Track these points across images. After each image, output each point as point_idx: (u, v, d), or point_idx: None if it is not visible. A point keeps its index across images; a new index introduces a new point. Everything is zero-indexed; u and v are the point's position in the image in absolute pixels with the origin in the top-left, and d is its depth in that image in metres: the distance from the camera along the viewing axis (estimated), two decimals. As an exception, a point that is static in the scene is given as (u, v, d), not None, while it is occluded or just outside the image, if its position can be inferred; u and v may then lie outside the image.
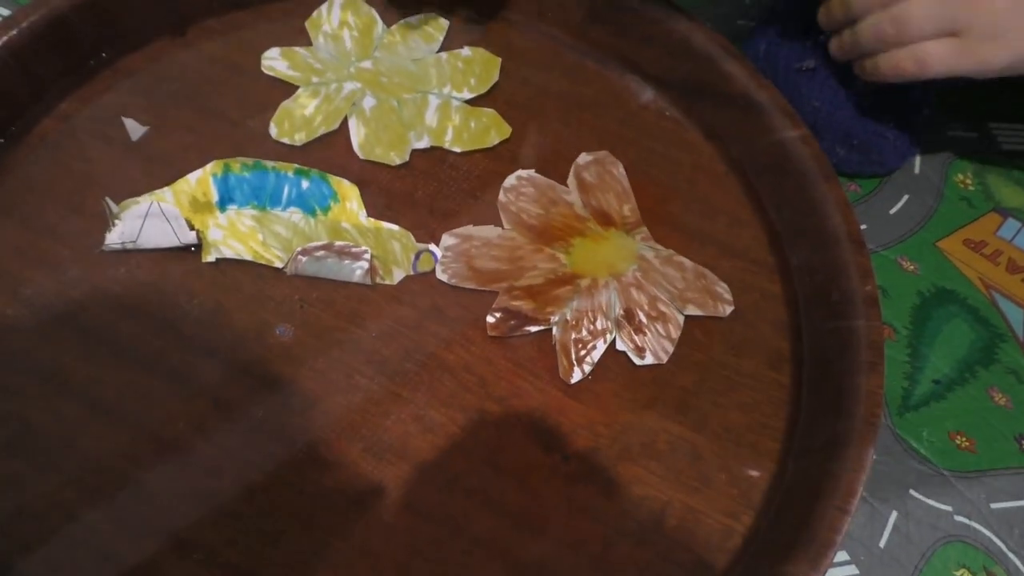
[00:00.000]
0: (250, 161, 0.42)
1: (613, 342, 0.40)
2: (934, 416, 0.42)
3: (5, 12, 0.49)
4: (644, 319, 0.41)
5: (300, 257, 0.40)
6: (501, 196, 0.44)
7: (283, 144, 0.44)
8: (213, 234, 0.40)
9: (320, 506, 0.35)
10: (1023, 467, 0.41)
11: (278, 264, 0.40)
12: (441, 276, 0.41)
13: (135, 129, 0.44)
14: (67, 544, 0.34)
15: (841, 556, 0.38)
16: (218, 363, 0.38)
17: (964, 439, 0.42)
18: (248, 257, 0.40)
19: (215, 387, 0.38)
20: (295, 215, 0.41)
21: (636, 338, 0.41)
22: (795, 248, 0.44)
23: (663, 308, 0.42)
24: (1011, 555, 0.39)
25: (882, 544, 0.39)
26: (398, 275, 0.41)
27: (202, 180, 0.41)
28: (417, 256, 0.41)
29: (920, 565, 0.38)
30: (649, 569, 0.36)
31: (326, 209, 0.41)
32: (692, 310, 0.42)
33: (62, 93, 0.45)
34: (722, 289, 0.43)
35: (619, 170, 0.45)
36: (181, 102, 0.46)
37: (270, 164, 0.42)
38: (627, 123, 0.48)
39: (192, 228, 0.40)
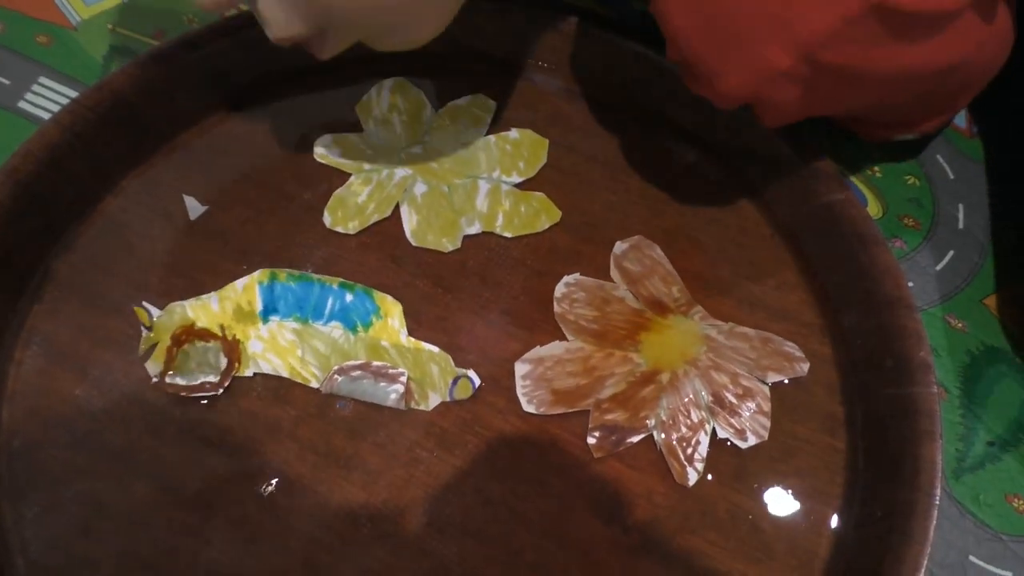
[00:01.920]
0: (296, 272, 0.43)
1: (713, 431, 0.41)
2: (990, 479, 0.42)
3: (68, 92, 0.51)
4: (734, 399, 0.42)
5: (336, 376, 0.40)
6: (556, 308, 0.44)
7: (337, 232, 0.45)
8: (253, 346, 0.41)
9: (387, 583, 0.36)
10: (1082, 530, 0.41)
11: (314, 384, 0.40)
12: (528, 408, 0.41)
13: (195, 208, 0.45)
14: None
15: (904, 625, 0.38)
16: (282, 438, 0.39)
17: (1022, 502, 0.42)
18: (285, 374, 0.40)
19: (280, 464, 0.38)
20: (336, 330, 0.41)
21: (733, 421, 0.41)
22: (845, 311, 0.44)
23: (746, 383, 0.42)
24: (1074, 621, 0.39)
25: (944, 612, 0.39)
26: (434, 400, 0.40)
27: (248, 287, 0.42)
28: (455, 381, 0.41)
29: (983, 633, 0.38)
30: (714, 643, 0.36)
31: (367, 325, 0.41)
32: (773, 376, 0.42)
33: (123, 171, 0.46)
34: (791, 348, 0.43)
35: (657, 252, 0.46)
36: (237, 176, 0.47)
37: (316, 276, 0.42)
38: (672, 187, 0.49)
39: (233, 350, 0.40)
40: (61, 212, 0.44)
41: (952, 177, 0.53)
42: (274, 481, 0.38)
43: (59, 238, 0.44)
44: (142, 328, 0.41)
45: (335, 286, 0.42)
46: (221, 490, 0.38)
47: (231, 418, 0.39)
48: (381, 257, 0.45)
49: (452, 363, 0.41)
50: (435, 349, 0.42)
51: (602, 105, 0.52)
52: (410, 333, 0.42)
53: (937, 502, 0.36)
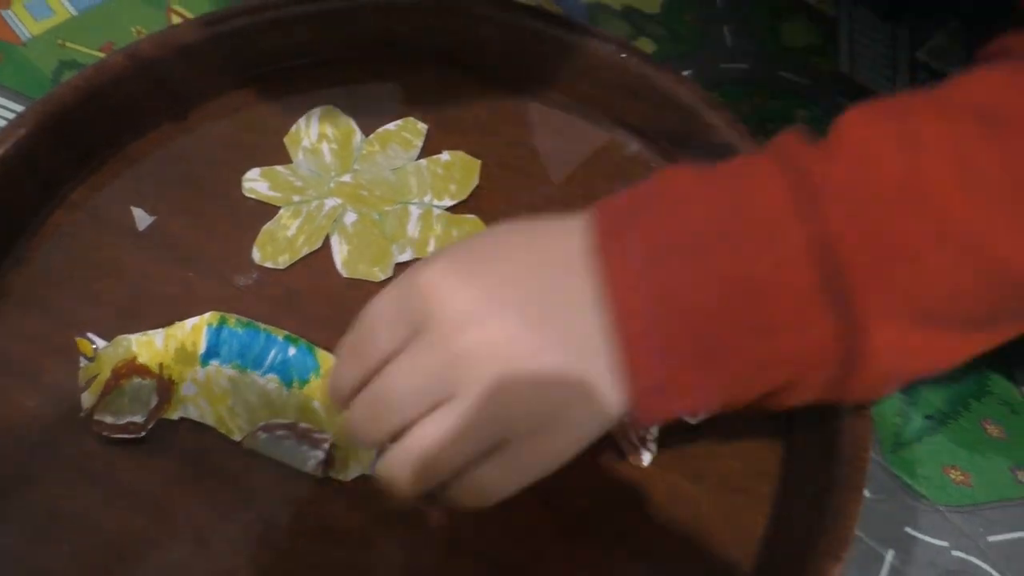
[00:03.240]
0: (245, 320, 0.42)
1: None
2: (928, 451, 0.43)
3: (16, 107, 0.52)
4: None
5: (260, 433, 0.39)
6: None
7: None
8: (187, 389, 0.40)
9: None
10: (1019, 499, 0.42)
11: (237, 436, 0.40)
12: None
13: (143, 219, 0.46)
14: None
15: (840, 598, 0.39)
16: (231, 442, 0.40)
17: (959, 473, 0.43)
18: (211, 422, 0.40)
19: (229, 465, 0.39)
20: (271, 383, 0.40)
21: None
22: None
23: None
24: (1010, 588, 0.40)
25: (880, 583, 0.40)
26: (354, 471, 0.39)
27: (196, 328, 0.41)
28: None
29: (919, 602, 0.39)
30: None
31: (304, 382, 0.41)
32: None
33: (72, 184, 0.47)
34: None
35: None
36: (185, 185, 0.48)
37: (263, 326, 0.42)
38: (615, 177, 0.50)
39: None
40: (12, 227, 0.45)
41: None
42: (221, 482, 0.39)
43: (10, 252, 0.45)
44: (81, 359, 0.41)
45: (281, 338, 0.41)
46: (171, 494, 0.39)
47: (182, 423, 0.40)
48: (316, 290, 0.45)
49: None
50: None
51: (546, 98, 0.52)
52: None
53: (865, 476, 0.37)
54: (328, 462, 0.39)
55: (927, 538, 0.41)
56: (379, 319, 0.31)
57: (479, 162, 0.49)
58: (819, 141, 0.29)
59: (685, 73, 0.57)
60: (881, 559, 0.40)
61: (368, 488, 0.39)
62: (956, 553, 0.41)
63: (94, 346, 0.41)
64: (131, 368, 0.40)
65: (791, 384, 0.30)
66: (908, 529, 0.41)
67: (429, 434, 0.29)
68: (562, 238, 0.31)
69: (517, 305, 0.29)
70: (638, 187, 0.31)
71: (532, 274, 0.30)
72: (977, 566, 0.40)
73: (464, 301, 0.29)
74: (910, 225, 0.27)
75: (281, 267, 0.45)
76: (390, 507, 0.35)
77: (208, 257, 0.45)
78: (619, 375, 0.29)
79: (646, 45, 0.58)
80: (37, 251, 0.45)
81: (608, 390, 0.29)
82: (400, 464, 0.30)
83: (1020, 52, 0.28)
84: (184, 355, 0.41)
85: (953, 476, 0.43)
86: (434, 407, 0.29)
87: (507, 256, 0.31)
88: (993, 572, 0.40)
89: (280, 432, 0.39)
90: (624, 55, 0.50)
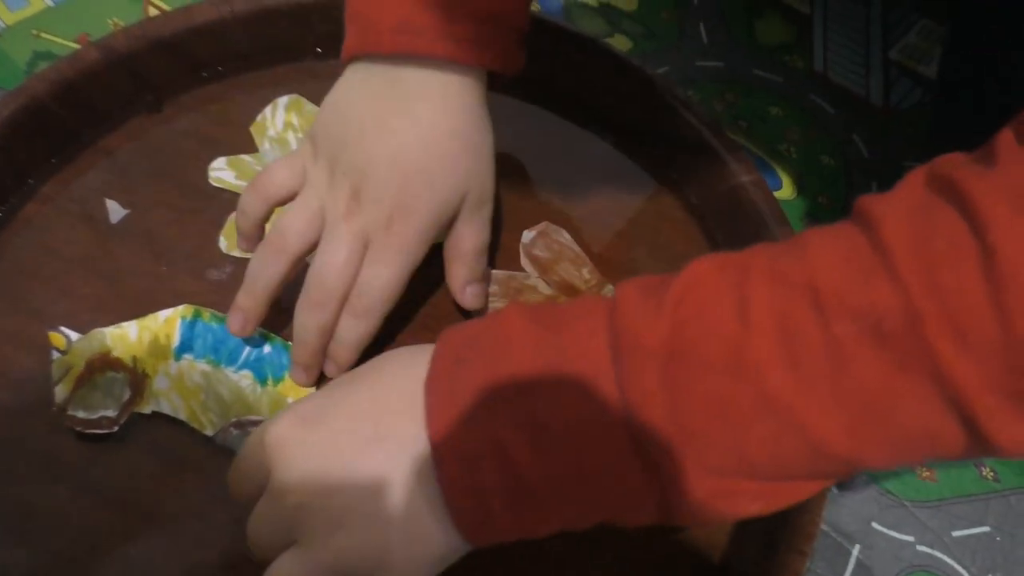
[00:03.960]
0: (220, 314, 0.42)
1: None
2: (895, 448, 0.44)
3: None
4: None
5: (232, 429, 0.39)
6: None
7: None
8: (159, 382, 0.40)
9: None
10: (983, 493, 0.43)
11: (209, 431, 0.40)
12: None
13: (116, 211, 0.46)
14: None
15: (807, 592, 0.40)
16: (203, 437, 0.40)
17: (925, 469, 0.43)
18: (183, 416, 0.40)
19: (200, 460, 0.39)
20: (245, 379, 0.41)
21: None
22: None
23: None
24: (973, 581, 0.40)
25: (846, 577, 0.40)
26: None
27: (170, 320, 0.41)
28: None
29: (884, 596, 0.40)
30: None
31: (278, 380, 0.41)
32: None
33: (45, 176, 0.47)
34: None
35: (565, 236, 0.47)
36: (159, 178, 0.48)
37: None
38: (585, 173, 0.50)
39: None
40: (-17, 220, 0.45)
41: (867, 156, 0.54)
42: (195, 476, 0.39)
43: (-19, 246, 0.45)
44: (54, 352, 0.41)
45: (256, 334, 0.41)
46: (141, 489, 0.39)
47: (151, 418, 0.40)
48: None
49: None
50: None
51: (516, 93, 0.52)
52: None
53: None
54: None
55: (893, 533, 0.42)
56: (237, 471, 0.34)
57: None
58: (660, 292, 0.29)
59: (661, 70, 0.57)
60: (848, 553, 0.41)
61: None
62: (921, 548, 0.41)
63: (67, 339, 0.41)
64: (104, 362, 0.40)
65: (617, 519, 0.30)
66: (875, 524, 0.42)
67: (282, 571, 0.31)
68: (407, 375, 0.32)
69: (348, 457, 0.31)
70: (478, 322, 0.32)
71: (368, 420, 0.31)
72: (942, 560, 0.41)
73: (299, 459, 0.31)
74: (732, 394, 0.27)
75: (249, 256, 0.45)
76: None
77: (182, 251, 0.45)
78: (446, 516, 0.30)
79: (622, 42, 0.58)
80: (8, 244, 0.45)
81: (437, 531, 0.30)
82: None
83: (870, 216, 0.27)
84: (157, 348, 0.41)
85: (919, 472, 0.43)
86: (290, 544, 0.31)
87: (348, 403, 0.32)
88: (957, 567, 0.41)
89: (252, 428, 0.39)
90: (596, 52, 0.50)
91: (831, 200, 0.52)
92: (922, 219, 0.26)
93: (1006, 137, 0.26)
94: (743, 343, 0.27)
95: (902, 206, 0.27)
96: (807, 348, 0.26)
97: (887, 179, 0.53)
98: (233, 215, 0.45)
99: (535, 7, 0.59)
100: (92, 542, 0.37)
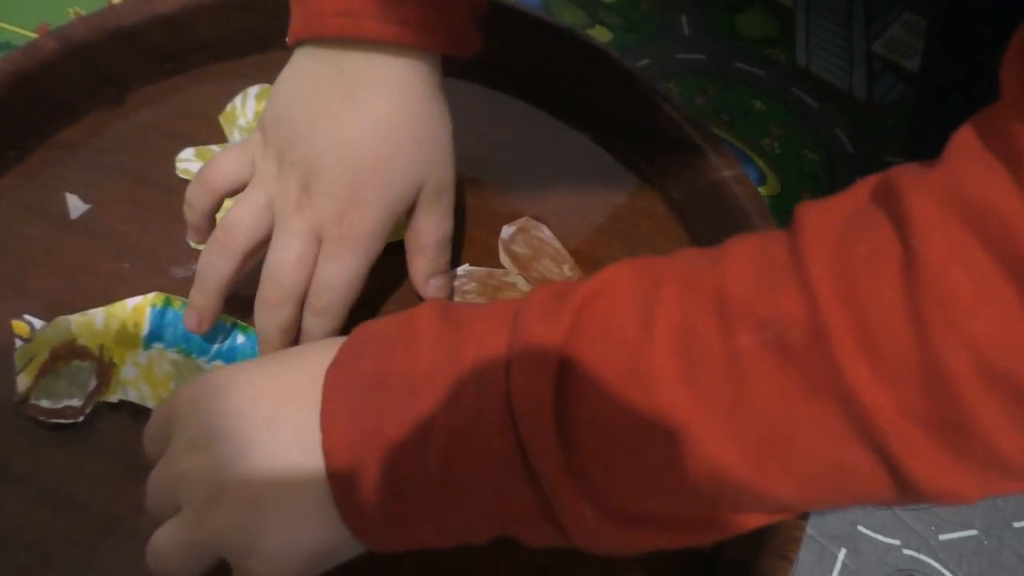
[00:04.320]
0: None
1: None
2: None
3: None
4: None
5: None
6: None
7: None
8: (127, 372, 0.39)
9: None
10: (970, 495, 0.42)
11: None
12: None
13: (77, 207, 0.44)
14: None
15: (791, 598, 0.39)
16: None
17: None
18: (151, 405, 0.38)
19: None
20: None
21: None
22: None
23: None
24: (960, 586, 0.39)
25: (831, 583, 0.39)
26: None
27: (139, 308, 0.40)
28: None
29: (870, 602, 0.39)
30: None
31: None
32: None
33: (2, 170, 0.45)
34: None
35: (545, 232, 0.46)
36: (120, 173, 0.46)
37: None
38: (566, 166, 0.49)
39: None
40: (-66, 215, 0.43)
41: (851, 150, 0.53)
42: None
43: (-67, 241, 0.43)
44: (17, 340, 0.39)
45: (228, 324, 0.40)
46: (97, 494, 0.37)
47: (108, 420, 0.39)
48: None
49: None
50: None
51: (493, 86, 0.51)
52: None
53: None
54: None
55: (879, 536, 0.40)
56: (147, 431, 0.33)
57: None
58: (570, 295, 0.27)
59: (641, 63, 0.56)
60: (834, 558, 0.40)
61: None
62: (907, 551, 0.40)
63: (31, 327, 0.40)
64: (70, 349, 0.39)
65: (514, 535, 0.28)
66: (861, 528, 0.41)
67: (162, 537, 0.30)
68: (316, 362, 0.30)
69: (240, 433, 0.29)
70: (393, 317, 0.31)
71: (267, 401, 0.30)
72: (928, 564, 0.40)
73: (192, 427, 0.30)
74: (625, 407, 0.24)
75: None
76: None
77: (144, 247, 0.44)
78: (332, 510, 0.28)
79: (602, 33, 0.57)
80: (-37, 240, 0.43)
81: (320, 524, 0.28)
82: (149, 554, 0.30)
83: (798, 221, 0.24)
84: (126, 336, 0.39)
85: (905, 473, 0.42)
86: (175, 511, 0.30)
87: (255, 380, 0.31)
88: (944, 570, 0.40)
89: None
90: (574, 44, 0.49)
91: (814, 195, 0.51)
92: (852, 225, 0.23)
93: (958, 136, 0.23)
94: (640, 352, 0.24)
95: (836, 212, 0.24)
96: (707, 360, 0.23)
97: (870, 174, 0.52)
98: None
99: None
100: (45, 550, 0.36)
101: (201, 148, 0.47)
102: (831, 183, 0.51)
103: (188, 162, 0.46)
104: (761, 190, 0.50)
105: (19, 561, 0.35)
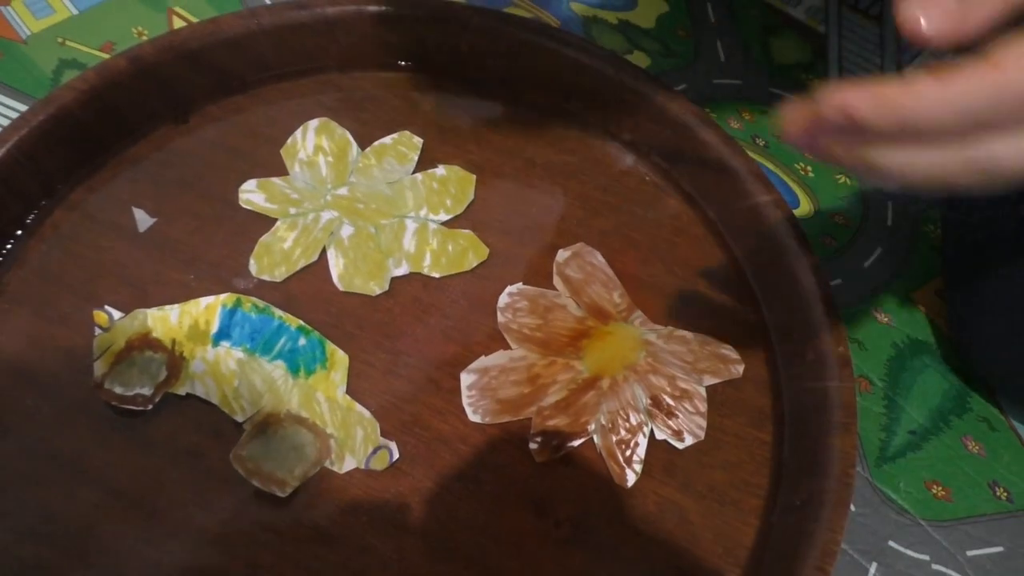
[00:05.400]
0: (261, 304, 0.43)
1: (651, 433, 0.42)
2: (910, 467, 0.44)
3: (16, 105, 0.52)
4: (671, 401, 0.43)
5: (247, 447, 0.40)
6: (500, 317, 0.45)
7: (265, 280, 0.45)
8: (196, 366, 0.41)
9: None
10: (997, 513, 0.43)
11: (239, 417, 0.40)
12: (474, 417, 0.42)
13: (144, 220, 0.46)
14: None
15: (824, 608, 0.40)
16: (223, 442, 0.40)
17: (940, 488, 0.44)
18: (215, 401, 0.41)
19: (221, 466, 0.40)
20: (278, 369, 0.42)
21: (671, 423, 0.43)
22: (772, 309, 0.46)
23: (684, 385, 0.44)
24: (987, 600, 0.41)
25: (863, 595, 0.41)
26: (349, 464, 0.40)
27: (211, 307, 0.43)
28: (375, 451, 0.40)
29: (900, 614, 0.40)
30: (640, 630, 0.38)
31: (310, 373, 0.42)
32: (709, 379, 0.44)
33: (73, 184, 0.47)
34: (728, 351, 0.45)
35: (598, 258, 0.48)
36: (185, 188, 0.48)
37: (279, 312, 0.43)
38: (610, 189, 0.51)
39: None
40: (10, 227, 0.45)
41: (882, 175, 0.54)
42: (217, 481, 0.39)
43: (8, 252, 0.45)
44: (97, 330, 0.42)
45: (293, 327, 0.43)
46: (164, 493, 0.39)
47: (176, 425, 0.41)
48: (312, 301, 0.45)
49: (378, 431, 0.41)
50: (366, 414, 0.42)
51: (541, 110, 0.53)
52: (350, 340, 0.43)
53: (852, 492, 0.38)
54: (326, 451, 0.40)
55: (909, 552, 0.42)
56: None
57: (474, 176, 0.50)
58: None
59: (679, 88, 0.58)
60: (865, 571, 0.41)
61: (359, 488, 0.39)
62: (936, 566, 0.42)
63: (110, 317, 0.42)
64: (144, 341, 0.41)
65: None
66: (891, 543, 0.42)
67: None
68: None
69: None
70: None
71: None
72: (956, 579, 0.41)
73: None
74: None
75: (278, 279, 0.45)
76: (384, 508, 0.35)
77: (208, 260, 0.46)
78: None
79: (640, 59, 0.59)
80: (35, 250, 0.45)
81: None
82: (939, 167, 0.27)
83: None
84: (197, 333, 0.42)
85: (935, 491, 0.44)
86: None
87: None
88: (971, 585, 0.41)
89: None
90: (617, 69, 0.51)
91: (847, 219, 0.53)
92: None
93: None
94: None
95: None
96: None
97: (900, 198, 0.53)
98: (264, 238, 0.46)
99: (555, 22, 0.59)
100: (115, 547, 0.38)
101: (263, 180, 0.48)
102: (864, 207, 0.53)
103: (251, 193, 0.48)
104: (795, 212, 0.52)
105: (90, 554, 0.38)
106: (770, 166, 0.54)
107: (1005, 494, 0.44)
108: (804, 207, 0.53)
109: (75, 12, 0.56)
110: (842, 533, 0.37)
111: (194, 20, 0.56)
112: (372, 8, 0.52)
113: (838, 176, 0.54)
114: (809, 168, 0.54)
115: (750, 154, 0.49)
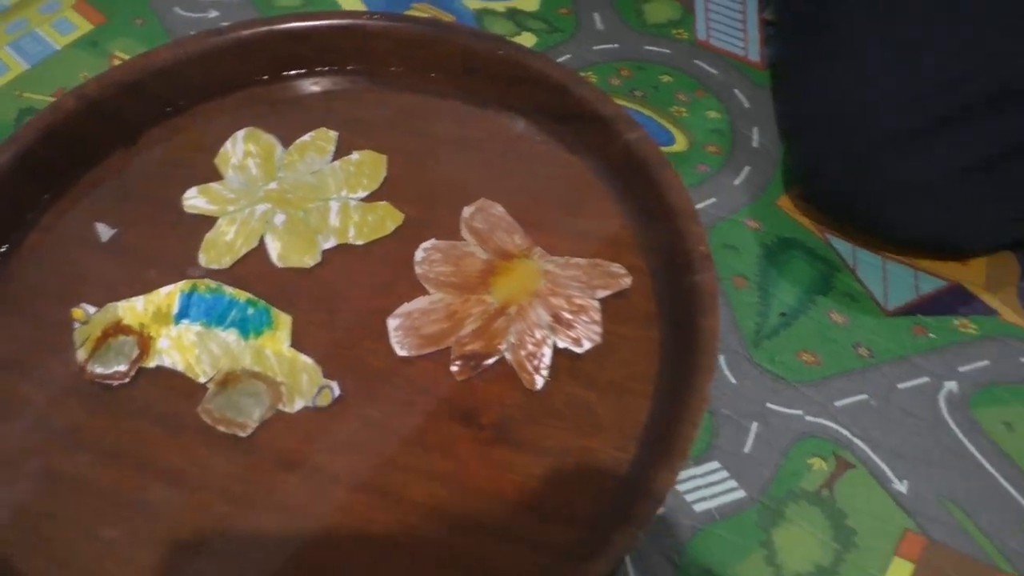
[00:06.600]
0: (214, 284, 0.51)
1: (555, 345, 0.49)
2: (784, 342, 0.51)
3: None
4: (570, 316, 0.50)
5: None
6: (417, 270, 0.52)
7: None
8: (162, 343, 0.49)
9: (278, 495, 0.45)
10: (859, 368, 0.50)
11: (202, 379, 0.48)
12: (401, 352, 0.49)
13: (105, 232, 0.54)
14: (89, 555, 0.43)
15: (714, 465, 0.47)
16: (192, 400, 0.48)
17: (810, 355, 0.51)
18: (181, 369, 0.48)
19: (192, 420, 0.47)
20: (231, 335, 0.49)
21: (570, 333, 0.50)
22: (649, 228, 0.53)
23: (580, 301, 0.51)
24: (855, 440, 0.48)
25: (747, 450, 0.48)
26: (298, 404, 0.47)
27: (171, 293, 0.50)
28: (319, 391, 0.48)
29: (780, 461, 0.47)
30: (558, 496, 0.45)
31: (258, 334, 0.49)
32: (602, 292, 0.51)
33: (43, 209, 0.55)
34: (616, 268, 0.52)
35: (499, 209, 0.55)
36: (139, 201, 0.56)
37: (229, 290, 0.51)
38: (507, 154, 0.58)
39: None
40: (-6, 252, 0.53)
41: (747, 106, 0.62)
42: (197, 437, 0.47)
43: (-4, 273, 0.53)
44: (76, 324, 0.49)
45: (242, 300, 0.50)
46: (148, 447, 0.46)
47: (148, 393, 0.48)
48: (258, 279, 0.53)
49: (321, 375, 0.48)
50: (309, 361, 0.49)
51: (444, 93, 0.61)
52: (291, 305, 0.51)
53: (715, 360, 0.45)
54: (277, 396, 0.48)
55: (784, 409, 0.49)
56: None
57: (384, 156, 0.58)
58: None
59: (564, 58, 0.65)
60: (747, 431, 0.48)
61: (310, 423, 0.47)
62: (809, 418, 0.49)
63: (87, 313, 0.50)
64: (117, 328, 0.49)
65: None
66: (768, 404, 0.49)
67: None
68: None
69: None
70: None
71: None
72: (827, 426, 0.48)
73: None
74: None
75: (225, 267, 0.53)
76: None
77: (164, 259, 0.53)
78: None
79: (528, 39, 0.66)
80: (19, 270, 0.53)
81: None
82: None
83: None
84: (160, 316, 0.50)
85: (805, 359, 0.51)
86: None
87: None
88: (841, 429, 0.48)
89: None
90: (502, 49, 0.59)
91: (719, 147, 0.60)
92: None
93: None
94: None
95: None
96: None
97: (765, 124, 0.61)
98: (208, 235, 0.54)
99: (450, 17, 0.67)
100: (113, 499, 0.45)
101: (202, 186, 0.56)
102: (733, 136, 0.60)
103: (194, 199, 0.56)
104: (673, 148, 0.59)
105: (93, 506, 0.45)
106: (647, 112, 0.61)
107: (867, 352, 0.51)
108: (680, 143, 0.60)
109: (27, 67, 0.64)
110: (707, 391, 0.44)
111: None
112: (282, 26, 0.60)
113: (709, 112, 0.62)
114: (683, 110, 0.62)
115: (626, 103, 0.56)
